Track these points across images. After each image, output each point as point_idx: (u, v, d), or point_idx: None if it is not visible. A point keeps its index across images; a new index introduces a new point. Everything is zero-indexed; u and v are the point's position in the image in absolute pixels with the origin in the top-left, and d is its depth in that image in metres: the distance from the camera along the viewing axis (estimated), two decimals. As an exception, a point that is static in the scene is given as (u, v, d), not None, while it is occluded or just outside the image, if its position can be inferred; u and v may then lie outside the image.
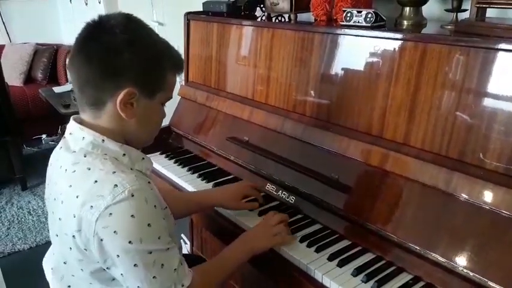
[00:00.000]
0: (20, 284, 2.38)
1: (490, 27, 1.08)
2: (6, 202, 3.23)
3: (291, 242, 1.18)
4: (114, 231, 0.84)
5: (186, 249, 2.37)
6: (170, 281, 0.92)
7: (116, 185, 0.85)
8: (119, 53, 0.89)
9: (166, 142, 1.91)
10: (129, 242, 0.85)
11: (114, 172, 0.88)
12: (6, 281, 2.42)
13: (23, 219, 3.00)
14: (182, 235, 2.48)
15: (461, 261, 0.98)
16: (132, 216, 0.84)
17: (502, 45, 0.97)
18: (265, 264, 1.21)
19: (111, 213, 0.84)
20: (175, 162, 1.71)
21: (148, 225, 0.87)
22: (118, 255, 0.86)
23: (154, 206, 0.89)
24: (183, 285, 0.93)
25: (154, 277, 0.89)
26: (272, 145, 1.48)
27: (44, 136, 4.37)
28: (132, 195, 0.85)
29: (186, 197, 1.41)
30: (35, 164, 3.74)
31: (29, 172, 3.48)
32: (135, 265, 0.87)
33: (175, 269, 0.92)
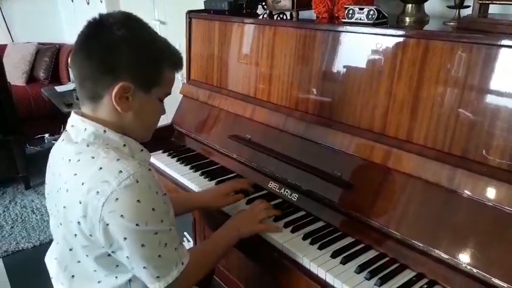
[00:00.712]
0: (24, 282, 2.39)
1: (492, 23, 1.07)
2: (10, 201, 3.24)
3: (276, 230, 1.23)
4: (121, 215, 0.87)
5: (189, 247, 2.37)
6: (173, 259, 0.97)
7: (120, 171, 0.89)
8: (115, 49, 0.92)
9: (168, 140, 1.91)
10: (136, 225, 0.89)
11: (118, 159, 0.91)
12: (10, 279, 2.43)
13: (26, 218, 3.01)
14: (185, 233, 2.49)
15: (464, 258, 0.98)
16: (138, 201, 0.88)
17: (505, 42, 0.97)
18: (267, 260, 1.22)
19: (117, 198, 0.87)
20: (177, 161, 1.71)
21: (153, 209, 0.91)
22: (125, 238, 0.89)
23: (156, 192, 0.93)
24: (182, 263, 0.99)
25: (159, 256, 0.94)
26: (274, 143, 1.48)
27: (46, 135, 4.38)
28: (137, 181, 0.89)
29: (177, 199, 1.40)
30: (37, 163, 3.74)
31: (32, 171, 3.49)
32: (142, 245, 0.91)
33: (175, 248, 0.98)
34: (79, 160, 0.93)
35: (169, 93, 1.05)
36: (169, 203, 1.02)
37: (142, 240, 0.91)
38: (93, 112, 0.98)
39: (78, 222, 0.91)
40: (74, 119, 0.99)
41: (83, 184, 0.90)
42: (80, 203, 0.89)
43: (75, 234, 0.94)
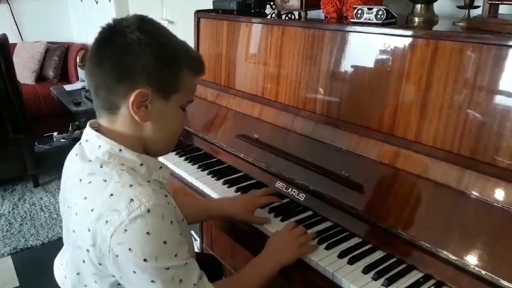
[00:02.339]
0: (32, 279, 2.42)
1: (502, 24, 1.06)
2: (19, 199, 3.27)
3: (314, 251, 1.15)
4: (129, 249, 0.82)
5: (196, 246, 2.38)
6: None
7: (132, 200, 0.83)
8: (129, 53, 0.87)
9: (176, 140, 1.92)
10: (144, 260, 0.82)
11: (131, 185, 0.85)
12: (18, 276, 2.46)
13: (35, 216, 3.03)
14: (192, 232, 2.50)
15: (472, 259, 0.97)
16: (147, 233, 0.82)
17: (515, 42, 0.96)
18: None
19: (126, 230, 0.81)
20: (185, 160, 1.72)
21: (164, 242, 0.84)
22: (134, 272, 0.84)
23: (171, 222, 0.87)
24: None
25: None
26: (282, 143, 1.48)
27: (55, 134, 4.42)
28: (148, 211, 0.82)
29: (197, 205, 1.39)
30: (46, 161, 3.78)
31: (40, 169, 3.52)
32: (152, 281, 0.84)
33: (194, 284, 0.89)
34: (90, 182, 0.88)
35: (192, 101, 0.99)
36: (188, 230, 0.96)
37: (152, 276, 0.83)
38: (110, 124, 0.93)
39: (87, 250, 0.86)
40: (88, 133, 0.94)
41: (92, 210, 0.84)
42: (89, 230, 0.84)
43: (84, 261, 0.89)
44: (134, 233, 0.82)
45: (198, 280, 0.91)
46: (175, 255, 0.86)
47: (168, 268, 0.85)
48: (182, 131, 1.04)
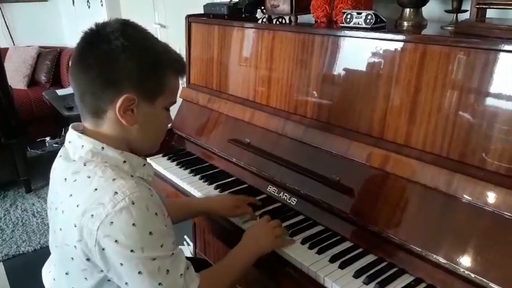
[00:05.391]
0: (24, 286, 2.39)
1: (490, 28, 1.07)
2: (11, 204, 3.25)
3: (291, 244, 1.19)
4: (116, 241, 0.83)
5: (189, 251, 2.37)
6: (177, 287, 0.91)
7: (116, 192, 0.84)
8: (114, 59, 0.88)
9: (168, 144, 1.91)
10: (131, 251, 0.84)
11: (114, 179, 0.87)
12: (10, 282, 2.44)
13: (27, 222, 3.01)
14: (185, 237, 2.49)
15: (463, 262, 0.98)
16: (133, 224, 0.84)
17: (503, 46, 0.97)
18: (267, 266, 1.21)
19: (112, 222, 0.83)
20: (177, 165, 1.71)
21: (150, 233, 0.86)
22: (121, 264, 0.85)
23: (156, 213, 0.88)
24: None
25: (160, 284, 0.88)
26: (273, 147, 1.49)
27: (47, 138, 4.39)
28: (133, 203, 0.84)
29: (180, 203, 1.40)
30: (39, 166, 3.75)
31: (33, 174, 3.49)
32: (139, 272, 0.86)
33: (181, 274, 0.91)
34: (75, 180, 0.89)
35: (175, 102, 1.01)
36: (172, 226, 0.97)
37: (139, 267, 0.85)
38: (95, 127, 0.94)
39: (75, 246, 0.87)
40: (71, 135, 0.96)
41: (77, 206, 0.86)
42: (75, 226, 0.86)
43: (72, 258, 0.90)
44: (120, 225, 0.83)
45: (185, 271, 0.92)
46: (161, 246, 0.88)
47: (154, 259, 0.87)
48: (167, 129, 1.07)
